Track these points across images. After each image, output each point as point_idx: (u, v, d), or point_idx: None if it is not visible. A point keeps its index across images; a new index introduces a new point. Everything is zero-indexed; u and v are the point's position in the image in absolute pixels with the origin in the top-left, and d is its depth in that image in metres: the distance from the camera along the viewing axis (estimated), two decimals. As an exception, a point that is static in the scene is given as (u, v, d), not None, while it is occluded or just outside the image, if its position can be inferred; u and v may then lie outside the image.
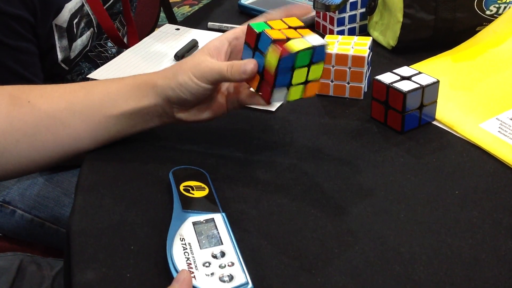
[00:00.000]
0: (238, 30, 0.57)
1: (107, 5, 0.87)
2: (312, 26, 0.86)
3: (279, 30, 0.54)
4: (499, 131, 0.61)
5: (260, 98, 0.56)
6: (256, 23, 0.55)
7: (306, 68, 0.54)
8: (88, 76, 0.75)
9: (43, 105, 0.58)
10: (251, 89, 0.57)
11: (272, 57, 0.52)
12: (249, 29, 0.55)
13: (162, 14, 1.49)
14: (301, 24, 0.56)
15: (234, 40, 0.57)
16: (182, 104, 0.57)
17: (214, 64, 0.55)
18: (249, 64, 0.53)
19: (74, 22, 0.78)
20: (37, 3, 0.72)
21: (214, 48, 0.57)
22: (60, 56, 0.78)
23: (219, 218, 0.50)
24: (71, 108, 0.58)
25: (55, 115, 0.58)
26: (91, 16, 0.82)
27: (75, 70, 0.83)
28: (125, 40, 0.92)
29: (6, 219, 0.82)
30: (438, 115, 0.64)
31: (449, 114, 0.64)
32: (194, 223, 0.49)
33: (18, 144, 0.57)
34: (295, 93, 0.55)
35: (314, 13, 0.85)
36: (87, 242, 0.51)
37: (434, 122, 0.64)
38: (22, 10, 0.70)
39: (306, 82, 0.55)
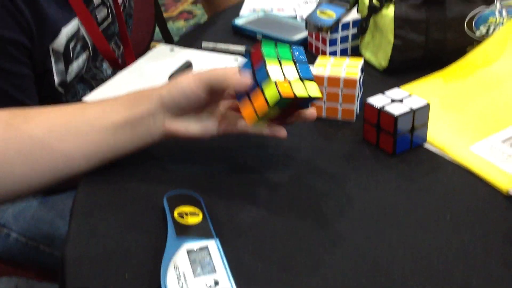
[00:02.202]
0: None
1: (102, 27, 0.88)
2: (304, 46, 0.86)
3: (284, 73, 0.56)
4: (489, 154, 0.62)
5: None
6: (268, 44, 0.56)
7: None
8: (83, 99, 0.75)
9: (39, 124, 0.59)
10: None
11: (270, 94, 0.54)
12: (258, 50, 0.56)
13: (157, 29, 1.50)
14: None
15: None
16: (174, 110, 0.58)
17: (214, 70, 0.57)
18: (246, 80, 0.55)
19: (71, 45, 0.79)
20: (34, 28, 0.72)
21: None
22: (56, 79, 0.78)
23: (212, 245, 0.50)
24: (66, 126, 0.59)
25: (50, 134, 0.59)
26: (87, 39, 0.82)
27: (70, 92, 0.84)
28: (120, 60, 0.93)
29: (0, 242, 0.82)
30: (429, 137, 0.65)
31: (440, 137, 0.65)
32: (188, 251, 0.49)
33: (13, 164, 0.57)
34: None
35: (305, 33, 0.86)
36: (81, 270, 0.51)
37: (426, 144, 0.65)
38: (19, 35, 0.71)
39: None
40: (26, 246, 0.82)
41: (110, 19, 0.90)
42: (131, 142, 0.60)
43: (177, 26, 2.58)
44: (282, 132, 0.58)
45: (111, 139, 0.59)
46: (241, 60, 0.57)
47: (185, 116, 0.59)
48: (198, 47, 0.90)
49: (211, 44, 0.89)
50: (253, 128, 0.59)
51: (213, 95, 0.58)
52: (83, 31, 0.81)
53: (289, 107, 0.57)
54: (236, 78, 0.55)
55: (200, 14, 2.68)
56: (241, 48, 0.87)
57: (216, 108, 0.61)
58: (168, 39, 1.54)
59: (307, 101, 0.57)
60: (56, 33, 0.76)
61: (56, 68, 0.77)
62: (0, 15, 0.69)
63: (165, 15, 2.60)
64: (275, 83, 0.54)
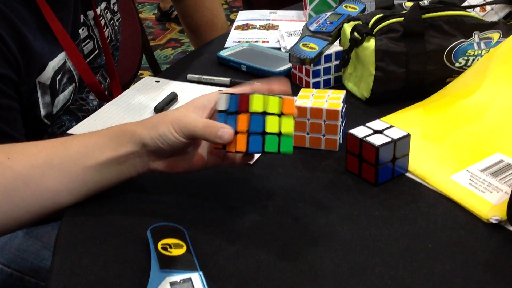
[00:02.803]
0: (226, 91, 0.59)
1: (89, 59, 0.89)
2: (289, 77, 0.88)
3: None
4: (469, 183, 0.63)
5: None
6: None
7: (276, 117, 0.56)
8: (68, 131, 0.76)
9: (22, 161, 0.59)
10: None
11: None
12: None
13: (144, 58, 1.51)
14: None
15: None
16: (159, 153, 0.59)
17: (192, 120, 0.57)
18: (227, 132, 0.55)
19: (57, 78, 0.80)
20: (21, 62, 0.73)
21: (200, 105, 0.59)
22: (43, 112, 0.79)
23: (196, 278, 0.50)
24: (49, 162, 0.59)
25: (34, 170, 0.59)
26: (73, 71, 0.83)
27: (56, 123, 0.84)
28: (107, 92, 0.94)
29: (-15, 274, 0.81)
30: (410, 167, 0.66)
31: (421, 166, 0.66)
32: (172, 284, 0.49)
33: None
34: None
35: (289, 65, 0.88)
36: (65, 303, 0.51)
37: (407, 174, 0.66)
38: (6, 69, 0.71)
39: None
40: (11, 277, 0.81)
41: (97, 52, 0.91)
42: (116, 177, 0.60)
43: (165, 54, 2.60)
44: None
45: (96, 175, 0.59)
46: (220, 98, 0.57)
47: (170, 157, 0.60)
48: (184, 78, 0.91)
49: (196, 76, 0.91)
50: (233, 160, 0.60)
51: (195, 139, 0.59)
52: (69, 64, 0.82)
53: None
54: (215, 134, 0.55)
55: (188, 42, 2.72)
56: (225, 79, 0.89)
57: (200, 147, 0.61)
58: (155, 68, 1.56)
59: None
60: (42, 67, 0.77)
61: (42, 101, 0.78)
62: None
63: (152, 43, 2.63)
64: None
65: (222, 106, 0.57)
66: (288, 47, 0.97)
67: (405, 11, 0.81)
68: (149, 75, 0.94)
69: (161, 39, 2.75)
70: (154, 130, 0.58)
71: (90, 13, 0.88)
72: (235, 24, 1.10)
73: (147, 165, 0.60)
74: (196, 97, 0.59)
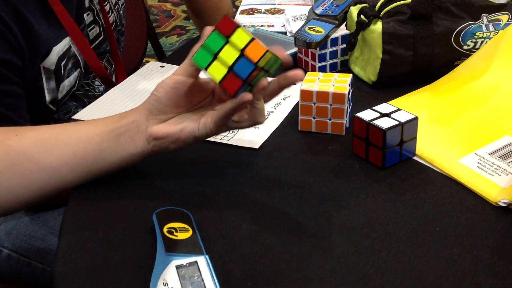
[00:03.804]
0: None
1: (94, 44, 0.88)
2: (294, 61, 0.87)
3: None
4: (478, 166, 0.62)
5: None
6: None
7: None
8: (73, 117, 0.76)
9: (29, 136, 0.61)
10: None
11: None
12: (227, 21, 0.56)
13: (149, 45, 1.50)
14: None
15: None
16: (158, 108, 0.59)
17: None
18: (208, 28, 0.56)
19: (62, 64, 0.79)
20: (25, 48, 0.73)
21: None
22: (48, 97, 0.78)
23: (202, 261, 0.50)
24: (55, 137, 0.61)
25: (38, 144, 0.60)
26: (78, 57, 0.83)
27: (62, 109, 0.84)
28: (113, 79, 0.93)
29: (-8, 260, 0.82)
30: (418, 151, 0.65)
31: (428, 150, 0.65)
32: (178, 267, 0.49)
33: (1, 175, 0.58)
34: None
35: (295, 48, 0.87)
36: (70, 286, 0.51)
37: (415, 158, 0.65)
38: (10, 55, 0.71)
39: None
40: (18, 263, 0.82)
41: (102, 37, 0.90)
42: (115, 152, 0.60)
43: (170, 42, 2.59)
44: (247, 97, 0.56)
45: (96, 148, 0.60)
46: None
47: (167, 120, 0.60)
48: (189, 63, 0.90)
49: (201, 61, 0.90)
50: (225, 108, 0.57)
51: (191, 90, 0.59)
52: (74, 49, 0.81)
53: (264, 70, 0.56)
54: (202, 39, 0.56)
55: (193, 29, 2.70)
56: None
57: (198, 111, 0.61)
58: (160, 54, 1.55)
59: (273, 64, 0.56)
60: (47, 52, 0.76)
61: (47, 86, 0.78)
62: None
63: (158, 30, 2.62)
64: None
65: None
66: (294, 31, 0.95)
67: (413, -7, 0.80)
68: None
69: (166, 26, 2.74)
70: (157, 87, 0.59)
71: None
72: (240, 8, 1.09)
73: (145, 134, 0.59)
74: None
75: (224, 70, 0.55)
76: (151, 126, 0.60)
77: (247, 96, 0.55)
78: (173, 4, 2.97)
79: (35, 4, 0.75)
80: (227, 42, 0.56)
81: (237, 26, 0.55)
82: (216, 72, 0.56)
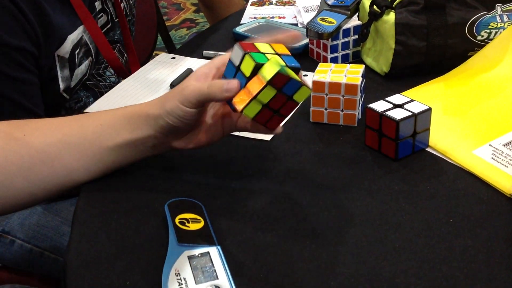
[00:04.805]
0: (226, 57, 0.58)
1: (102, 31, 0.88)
2: (306, 52, 0.87)
3: (264, 54, 0.55)
4: (492, 158, 0.62)
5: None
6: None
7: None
8: (87, 110, 0.76)
9: (38, 138, 0.59)
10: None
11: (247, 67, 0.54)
12: (249, 44, 0.56)
13: (160, 38, 1.50)
14: (287, 51, 0.57)
15: (222, 66, 0.58)
16: (175, 132, 0.58)
17: (195, 87, 0.56)
18: (232, 83, 0.54)
19: (76, 52, 0.80)
20: (41, 35, 0.73)
21: (201, 73, 0.58)
22: (62, 85, 0.79)
23: (214, 252, 0.50)
24: (65, 140, 0.59)
25: (50, 148, 0.59)
26: (89, 45, 0.83)
27: (74, 98, 0.85)
28: (125, 68, 0.93)
29: (5, 249, 0.82)
30: (431, 142, 0.65)
31: (442, 141, 0.65)
32: (190, 257, 0.49)
33: (14, 178, 0.58)
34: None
35: (307, 40, 0.86)
36: (84, 278, 0.51)
37: (428, 149, 0.65)
38: (26, 42, 0.71)
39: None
40: (30, 253, 0.82)
41: (110, 25, 0.90)
42: (134, 157, 0.60)
43: (180, 34, 2.59)
44: (279, 130, 0.57)
45: (112, 154, 0.59)
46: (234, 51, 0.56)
47: (188, 134, 0.60)
48: (199, 55, 0.90)
49: (212, 53, 0.90)
50: (252, 126, 0.58)
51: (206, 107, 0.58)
52: (86, 37, 0.82)
53: (277, 97, 0.55)
54: (218, 86, 0.55)
55: (203, 22, 2.69)
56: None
57: (217, 114, 0.60)
58: (170, 47, 1.55)
59: (294, 89, 0.55)
60: (62, 40, 0.77)
61: (61, 74, 0.78)
62: (8, 23, 0.70)
63: (167, 23, 2.62)
64: (272, 60, 0.54)
65: (236, 59, 0.55)
66: (305, 23, 0.95)
67: (426, -17, 0.79)
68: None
69: (176, 19, 2.74)
70: (163, 109, 0.57)
71: None
72: (251, 0, 1.09)
73: (168, 145, 0.60)
74: (197, 69, 0.58)
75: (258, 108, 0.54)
76: (174, 142, 0.59)
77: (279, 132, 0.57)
78: (183, -4, 2.96)
79: None
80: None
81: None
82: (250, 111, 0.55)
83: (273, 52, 0.56)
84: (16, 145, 0.58)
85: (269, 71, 0.53)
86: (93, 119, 0.61)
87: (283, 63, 0.55)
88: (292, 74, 0.54)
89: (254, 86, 0.54)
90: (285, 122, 0.71)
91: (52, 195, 0.60)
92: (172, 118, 0.57)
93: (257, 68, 0.54)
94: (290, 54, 0.57)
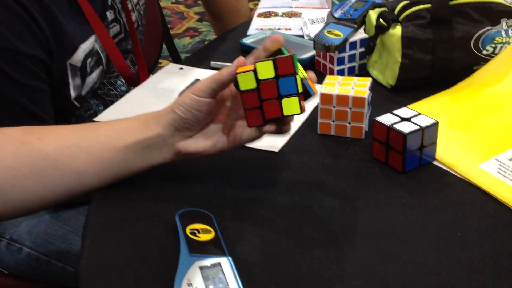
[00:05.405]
0: (229, 70, 0.59)
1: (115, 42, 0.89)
2: (312, 64, 0.88)
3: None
4: (498, 172, 0.62)
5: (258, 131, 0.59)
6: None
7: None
8: (97, 118, 0.76)
9: (51, 142, 0.60)
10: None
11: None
12: (289, 60, 0.57)
13: (164, 46, 1.51)
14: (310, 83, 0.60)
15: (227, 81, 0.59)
16: (183, 126, 0.59)
17: (205, 79, 0.59)
18: (238, 59, 0.57)
19: (87, 61, 0.80)
20: (53, 44, 0.74)
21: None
22: (73, 94, 0.80)
23: (225, 262, 0.51)
24: (78, 144, 0.60)
25: (62, 152, 0.60)
26: (100, 54, 0.84)
27: (84, 106, 0.85)
28: (135, 77, 0.94)
29: (12, 257, 0.83)
30: (438, 155, 0.66)
31: (448, 154, 0.66)
32: (201, 268, 0.50)
33: (25, 179, 0.58)
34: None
35: (313, 52, 0.87)
36: (95, 285, 0.51)
37: (435, 162, 0.66)
38: (38, 51, 0.72)
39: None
40: (37, 261, 0.82)
41: (122, 35, 0.91)
42: (142, 162, 0.61)
43: (183, 43, 2.60)
44: (272, 130, 0.59)
45: (122, 159, 0.60)
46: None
47: (194, 135, 0.60)
48: (207, 65, 0.91)
49: (219, 64, 0.90)
50: (257, 133, 0.59)
51: (214, 103, 0.59)
52: (97, 46, 0.82)
53: (271, 85, 0.57)
54: (231, 67, 0.57)
55: (206, 31, 2.71)
56: (250, 66, 0.88)
57: (223, 122, 0.61)
58: (175, 56, 1.56)
59: (289, 90, 0.57)
60: (74, 49, 0.77)
61: (73, 83, 0.79)
62: (20, 31, 0.71)
63: (171, 32, 2.63)
64: (299, 98, 0.56)
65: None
66: (311, 35, 0.96)
67: (432, -2, 0.80)
68: (168, 63, 0.95)
69: (179, 28, 2.76)
70: (175, 103, 0.59)
71: None
72: (258, 11, 1.10)
73: (173, 148, 0.60)
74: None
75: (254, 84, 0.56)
76: (178, 142, 0.60)
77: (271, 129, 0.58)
78: (186, 6, 2.98)
79: (64, 2, 0.76)
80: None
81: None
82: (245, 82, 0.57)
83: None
84: (29, 148, 0.59)
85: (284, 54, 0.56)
86: (108, 124, 0.63)
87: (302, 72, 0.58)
88: (300, 73, 0.56)
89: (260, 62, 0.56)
90: (293, 134, 0.72)
91: (62, 200, 0.61)
92: (182, 109, 0.59)
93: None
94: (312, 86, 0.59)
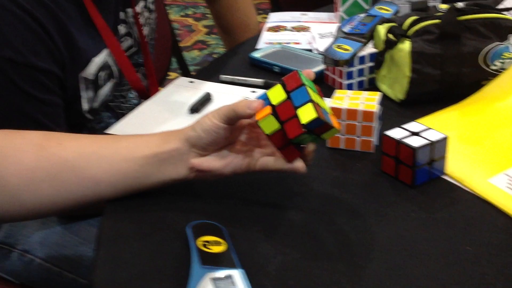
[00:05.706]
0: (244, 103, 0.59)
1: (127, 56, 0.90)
2: (321, 79, 0.88)
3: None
4: (507, 187, 0.63)
5: (279, 161, 0.60)
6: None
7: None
8: (108, 131, 0.77)
9: (72, 148, 0.62)
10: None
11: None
12: (295, 76, 0.58)
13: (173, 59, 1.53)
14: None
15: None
16: (200, 144, 0.60)
17: (227, 105, 0.60)
18: (256, 102, 0.58)
19: (100, 74, 0.81)
20: (66, 57, 0.75)
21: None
22: (85, 106, 0.81)
23: (237, 275, 0.51)
24: (98, 152, 0.62)
25: (81, 158, 0.61)
26: (112, 67, 0.85)
27: (96, 119, 0.86)
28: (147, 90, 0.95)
29: (24, 268, 0.83)
30: (447, 170, 0.66)
31: (458, 169, 0.66)
32: (213, 280, 0.50)
33: (41, 183, 0.59)
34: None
35: (323, 66, 0.88)
36: (108, 297, 0.52)
37: (444, 176, 0.66)
38: (51, 64, 0.73)
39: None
40: (49, 272, 0.83)
41: (134, 49, 0.92)
42: (157, 175, 0.62)
43: (192, 56, 2.62)
44: (301, 167, 0.59)
45: (138, 170, 0.61)
46: (258, 93, 0.59)
47: (210, 154, 0.61)
48: (217, 79, 0.92)
49: (229, 77, 0.91)
50: (275, 163, 0.60)
51: (233, 129, 0.60)
52: (110, 60, 0.84)
53: (286, 104, 0.58)
54: (244, 103, 0.58)
55: (214, 44, 2.73)
56: (259, 80, 0.89)
57: (238, 145, 0.62)
58: (184, 69, 1.57)
59: (302, 99, 0.58)
60: (86, 62, 0.79)
61: (85, 96, 0.80)
62: (34, 45, 0.72)
63: (179, 45, 2.65)
64: (313, 104, 0.56)
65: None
66: (320, 49, 0.97)
67: (440, 13, 0.81)
68: (178, 77, 0.96)
69: (187, 41, 2.78)
70: (197, 123, 0.61)
71: (129, 11, 0.89)
72: (267, 25, 1.11)
73: (188, 164, 0.61)
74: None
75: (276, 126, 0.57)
76: (193, 158, 0.61)
77: (302, 169, 0.59)
78: (194, 19, 3.01)
79: (77, 16, 0.77)
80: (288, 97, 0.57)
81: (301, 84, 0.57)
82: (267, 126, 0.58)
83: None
84: (48, 152, 0.61)
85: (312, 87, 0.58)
86: (129, 137, 0.65)
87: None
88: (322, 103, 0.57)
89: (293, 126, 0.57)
90: (303, 147, 0.72)
91: (73, 207, 0.62)
92: (201, 128, 0.60)
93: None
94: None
